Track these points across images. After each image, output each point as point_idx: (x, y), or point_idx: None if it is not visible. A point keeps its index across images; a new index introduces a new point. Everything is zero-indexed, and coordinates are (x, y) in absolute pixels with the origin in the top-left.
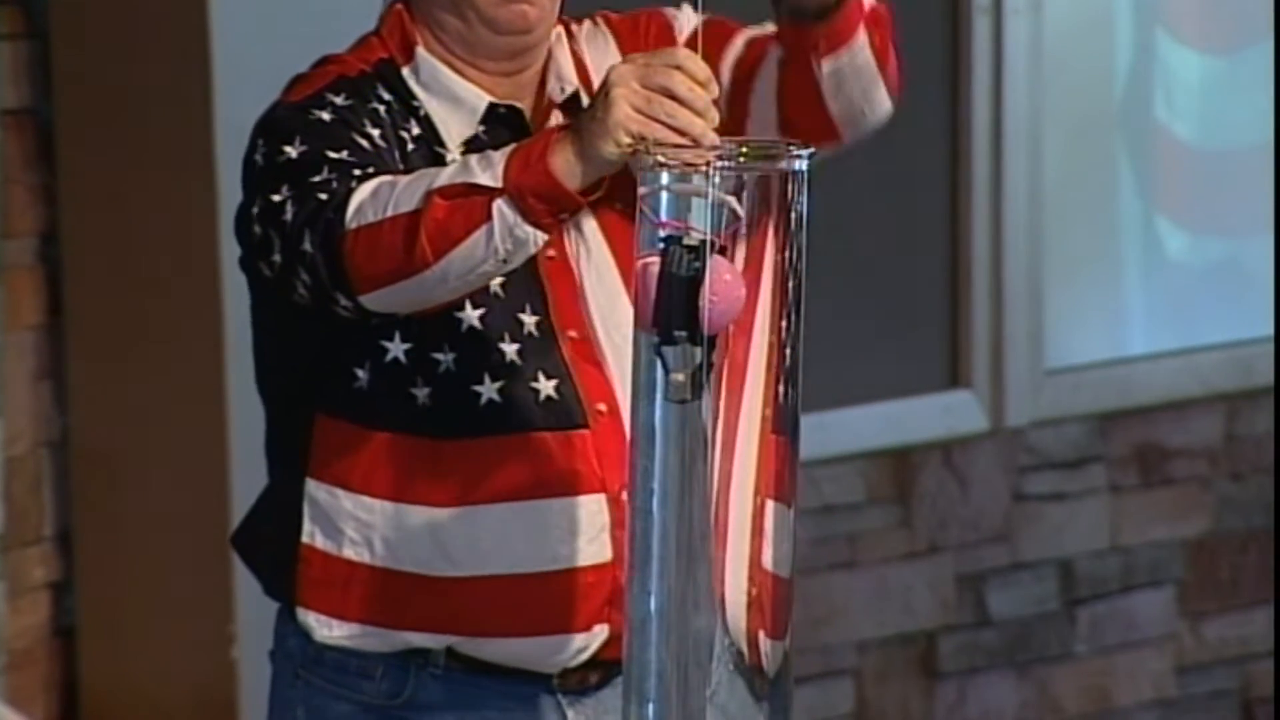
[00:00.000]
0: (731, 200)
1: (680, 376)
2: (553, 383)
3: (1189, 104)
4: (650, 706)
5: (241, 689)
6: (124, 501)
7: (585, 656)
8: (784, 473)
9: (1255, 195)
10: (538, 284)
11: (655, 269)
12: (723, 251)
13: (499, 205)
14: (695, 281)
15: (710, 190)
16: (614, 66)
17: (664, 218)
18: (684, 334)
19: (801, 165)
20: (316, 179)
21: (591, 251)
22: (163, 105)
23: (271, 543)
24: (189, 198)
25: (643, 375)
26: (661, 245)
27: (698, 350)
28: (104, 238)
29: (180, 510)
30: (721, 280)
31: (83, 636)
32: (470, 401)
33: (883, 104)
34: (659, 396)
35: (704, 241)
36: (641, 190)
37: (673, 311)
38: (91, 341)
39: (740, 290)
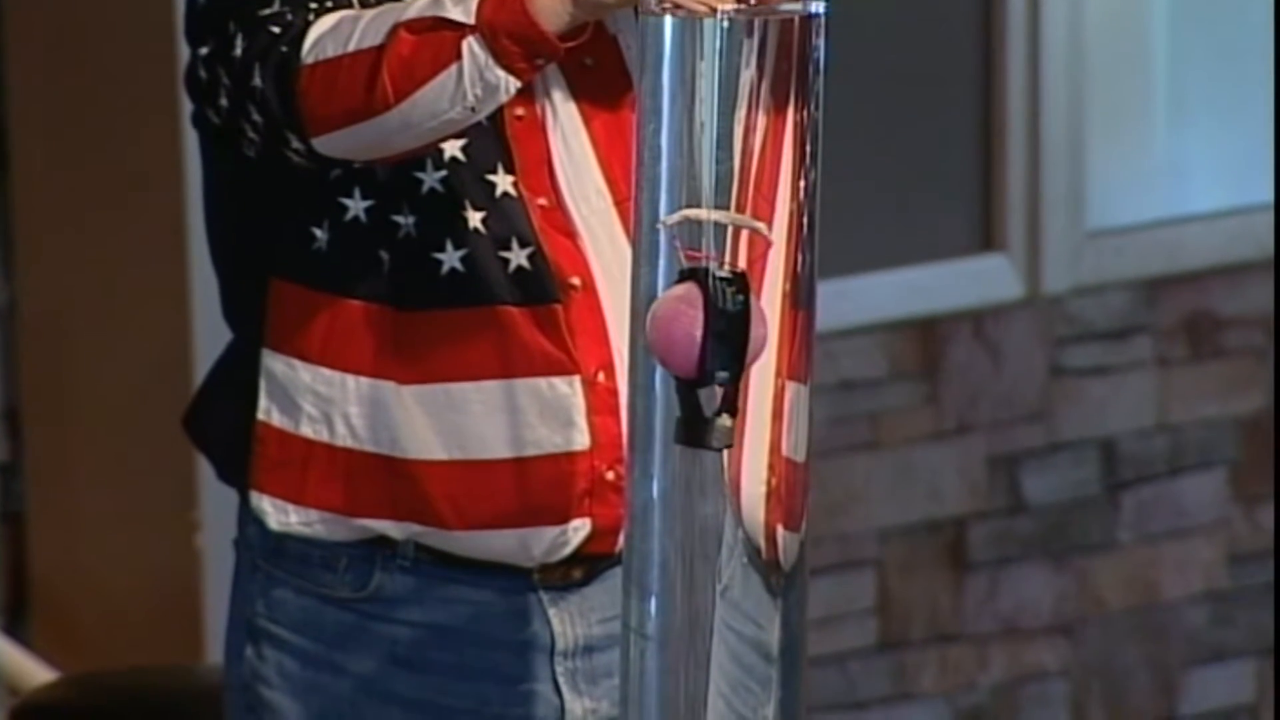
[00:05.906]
0: (760, 226)
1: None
2: (525, 251)
3: None
4: (653, 600)
5: (206, 579)
6: (77, 376)
7: (566, 552)
8: (800, 346)
9: None
10: (504, 146)
11: (684, 308)
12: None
13: (469, 44)
14: (744, 317)
15: (734, 215)
16: None
17: (687, 247)
18: (725, 374)
19: (819, 8)
20: (266, 11)
21: (559, 113)
22: None
23: (225, 421)
24: (147, 37)
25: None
26: (683, 277)
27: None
28: (53, 84)
29: (138, 386)
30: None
31: (32, 522)
32: (431, 270)
33: None
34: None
35: (738, 273)
36: (668, 219)
37: (718, 350)
38: (40, 199)
39: (764, 328)
